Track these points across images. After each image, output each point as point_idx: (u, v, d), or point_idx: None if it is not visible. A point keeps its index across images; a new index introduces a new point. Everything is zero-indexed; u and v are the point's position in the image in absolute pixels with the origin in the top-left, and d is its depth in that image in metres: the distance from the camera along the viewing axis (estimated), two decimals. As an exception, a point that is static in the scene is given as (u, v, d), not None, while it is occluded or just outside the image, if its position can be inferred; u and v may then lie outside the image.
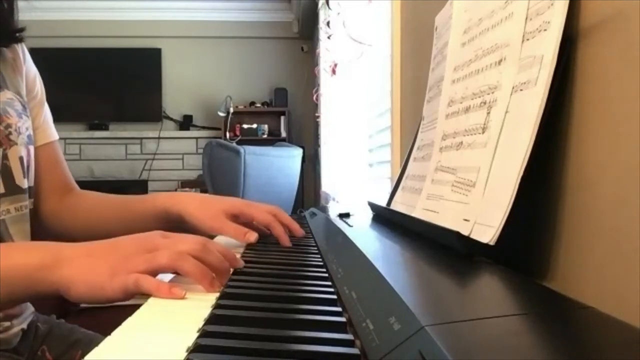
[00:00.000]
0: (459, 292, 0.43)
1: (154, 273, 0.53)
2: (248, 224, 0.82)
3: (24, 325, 0.80)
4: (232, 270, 0.58)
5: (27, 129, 0.82)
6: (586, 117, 0.45)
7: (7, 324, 0.76)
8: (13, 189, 0.77)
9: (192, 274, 0.53)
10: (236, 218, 0.80)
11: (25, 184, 0.80)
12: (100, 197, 0.97)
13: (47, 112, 0.93)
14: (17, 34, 0.84)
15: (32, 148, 0.83)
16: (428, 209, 0.67)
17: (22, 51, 0.87)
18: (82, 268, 0.54)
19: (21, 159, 0.79)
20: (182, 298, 0.50)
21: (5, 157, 0.76)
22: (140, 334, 0.41)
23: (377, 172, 2.31)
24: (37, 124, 0.89)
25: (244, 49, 5.41)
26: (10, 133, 0.77)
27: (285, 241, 0.78)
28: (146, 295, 0.51)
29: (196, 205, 0.81)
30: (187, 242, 0.55)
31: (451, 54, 0.72)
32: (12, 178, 0.77)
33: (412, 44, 1.27)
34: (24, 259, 0.56)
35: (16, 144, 0.78)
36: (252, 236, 0.76)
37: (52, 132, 0.93)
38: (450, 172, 0.63)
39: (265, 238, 0.80)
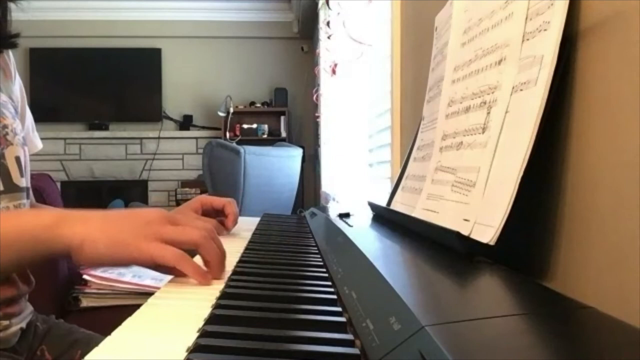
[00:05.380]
0: (459, 292, 0.43)
1: (178, 245, 0.54)
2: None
3: (23, 325, 0.80)
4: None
5: (20, 130, 0.84)
6: (586, 117, 0.45)
7: (5, 322, 0.76)
8: (11, 187, 0.78)
9: (213, 257, 0.55)
10: None
11: (22, 183, 0.81)
12: None
13: (31, 121, 0.95)
14: (12, 40, 0.85)
15: (26, 149, 0.85)
16: (428, 209, 0.67)
17: (13, 58, 0.89)
18: (99, 226, 0.54)
19: (17, 158, 0.80)
20: (209, 284, 0.53)
21: (2, 156, 0.77)
22: (140, 334, 0.41)
23: (377, 172, 2.31)
24: (25, 132, 0.90)
25: (244, 49, 5.41)
26: (7, 133, 0.79)
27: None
28: (146, 296, 0.51)
29: None
30: (206, 224, 0.58)
31: (451, 54, 0.72)
32: (10, 177, 0.78)
33: (412, 44, 1.27)
34: (33, 220, 0.56)
35: (12, 144, 0.79)
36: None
37: (38, 142, 0.96)
38: (450, 172, 0.63)
39: (266, 238, 0.80)
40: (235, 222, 0.93)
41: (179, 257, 0.52)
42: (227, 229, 0.92)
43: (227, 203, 0.92)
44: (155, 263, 0.53)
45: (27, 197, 0.83)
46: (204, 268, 0.55)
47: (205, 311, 0.44)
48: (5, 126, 0.79)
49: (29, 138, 0.93)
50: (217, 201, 0.93)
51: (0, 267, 0.56)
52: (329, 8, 2.80)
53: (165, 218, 0.56)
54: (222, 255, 0.57)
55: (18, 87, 0.91)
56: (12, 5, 0.84)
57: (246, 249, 0.75)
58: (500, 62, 0.57)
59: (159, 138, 5.35)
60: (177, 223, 0.56)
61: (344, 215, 0.90)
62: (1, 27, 0.83)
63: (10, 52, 0.89)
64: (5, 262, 0.56)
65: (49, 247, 0.55)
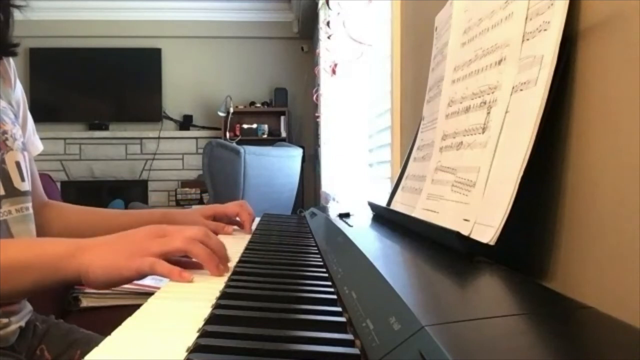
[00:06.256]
0: (459, 292, 0.43)
1: (167, 255, 0.59)
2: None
3: (22, 323, 0.81)
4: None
5: (20, 136, 0.85)
6: (586, 117, 0.45)
7: (5, 320, 0.76)
8: (12, 191, 0.79)
9: (201, 256, 0.59)
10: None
11: (24, 187, 0.81)
12: (83, 210, 1.00)
13: (32, 124, 0.97)
14: (12, 48, 0.85)
15: (26, 154, 0.85)
16: (428, 209, 0.67)
17: (13, 65, 0.90)
18: (99, 253, 0.61)
19: (17, 163, 0.81)
20: (191, 282, 0.57)
21: (2, 161, 0.78)
22: (140, 334, 0.41)
23: (377, 172, 2.31)
24: (26, 136, 0.92)
25: (244, 49, 5.41)
26: (6, 139, 0.80)
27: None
28: (146, 296, 0.52)
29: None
30: (192, 229, 0.62)
31: (451, 54, 0.72)
32: (11, 181, 0.78)
33: (412, 44, 1.27)
34: (52, 249, 0.64)
35: (12, 149, 0.80)
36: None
37: (39, 143, 0.99)
38: (450, 172, 0.63)
39: (266, 238, 0.80)
40: (251, 225, 0.99)
41: (153, 264, 0.58)
42: (245, 232, 0.98)
43: (240, 210, 0.98)
44: (140, 275, 0.59)
45: (30, 201, 0.84)
46: (178, 268, 0.58)
47: (205, 311, 0.44)
48: (5, 132, 0.79)
49: (30, 141, 0.94)
50: (230, 209, 0.99)
51: (21, 289, 0.64)
52: (329, 8, 2.80)
53: (155, 233, 0.62)
54: (216, 253, 0.61)
55: (19, 93, 0.91)
56: (15, 10, 0.84)
57: (246, 249, 0.75)
58: (500, 62, 0.57)
59: (159, 138, 5.35)
60: (166, 235, 0.61)
61: (344, 215, 0.90)
62: (3, 33, 0.83)
63: (11, 59, 0.89)
64: (25, 285, 0.63)
65: (64, 274, 0.62)
